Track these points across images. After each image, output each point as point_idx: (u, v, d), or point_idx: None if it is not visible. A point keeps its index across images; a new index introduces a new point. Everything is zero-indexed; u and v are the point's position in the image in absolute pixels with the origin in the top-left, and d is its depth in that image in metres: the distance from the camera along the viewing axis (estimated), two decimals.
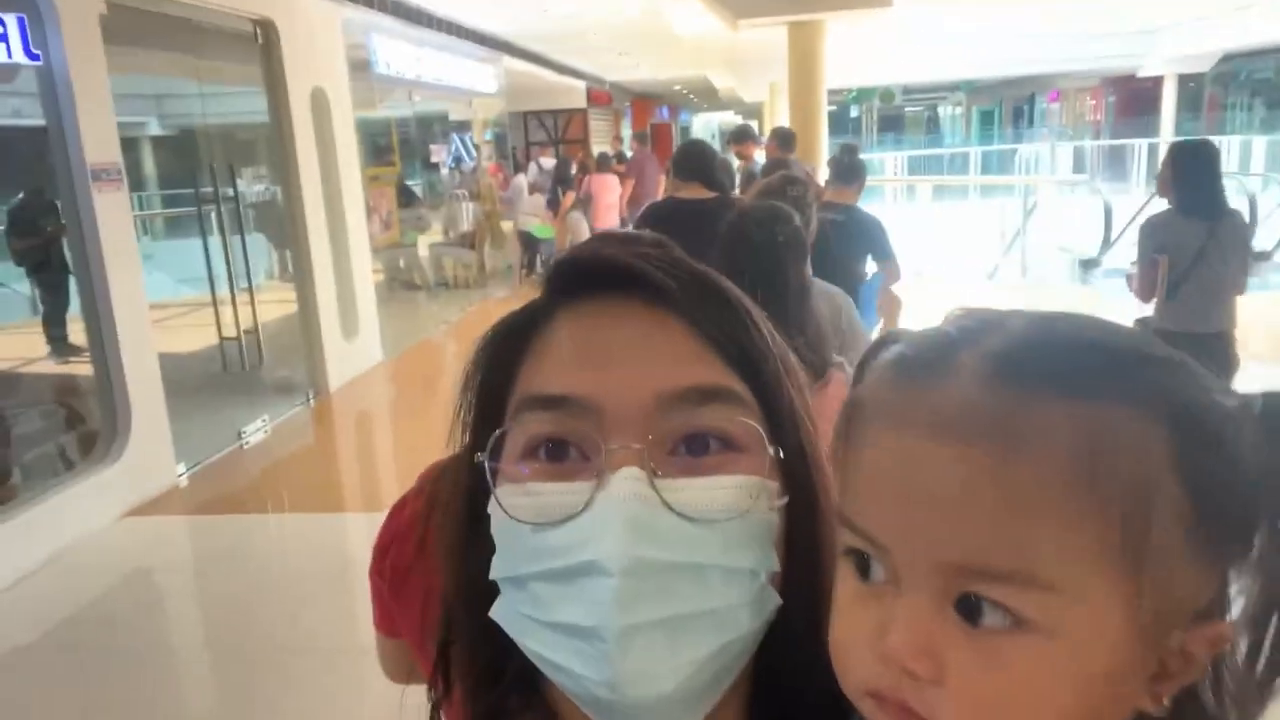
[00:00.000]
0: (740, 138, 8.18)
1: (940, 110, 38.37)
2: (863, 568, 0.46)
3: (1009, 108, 35.74)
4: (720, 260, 2.03)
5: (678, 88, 25.53)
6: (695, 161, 3.99)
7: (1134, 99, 27.24)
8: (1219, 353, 3.73)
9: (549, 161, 13.01)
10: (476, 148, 12.24)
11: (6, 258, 6.42)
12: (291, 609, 3.79)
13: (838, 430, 0.49)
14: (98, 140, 4.55)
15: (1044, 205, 10.85)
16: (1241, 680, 0.45)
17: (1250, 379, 3.82)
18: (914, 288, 3.07)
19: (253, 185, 7.17)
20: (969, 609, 0.42)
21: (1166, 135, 21.80)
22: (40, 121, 4.47)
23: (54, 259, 6.00)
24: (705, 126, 35.74)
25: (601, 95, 20.38)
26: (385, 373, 7.63)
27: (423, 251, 10.61)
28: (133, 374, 4.74)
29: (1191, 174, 3.83)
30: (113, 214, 4.65)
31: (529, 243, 11.43)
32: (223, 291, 6.07)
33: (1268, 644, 0.44)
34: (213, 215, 5.97)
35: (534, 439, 0.57)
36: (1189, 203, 3.81)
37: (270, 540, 4.77)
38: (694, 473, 0.55)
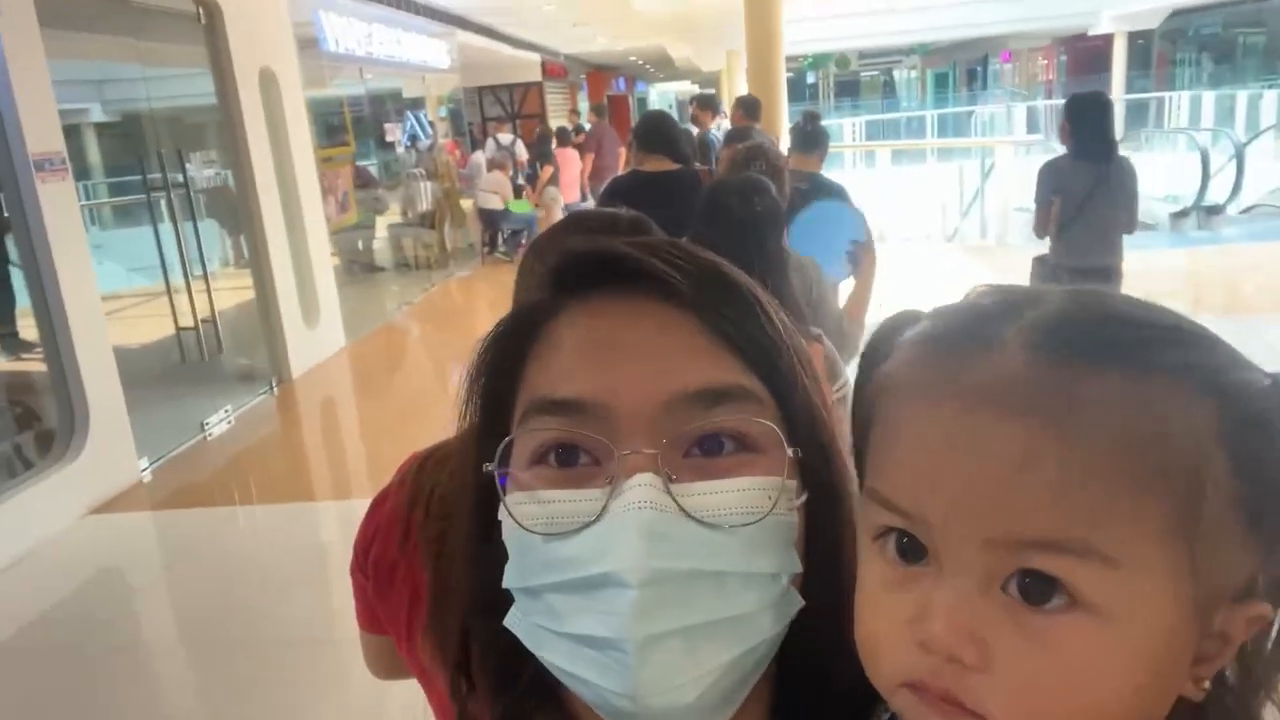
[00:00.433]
0: (703, 106, 8.16)
1: (896, 74, 38.49)
2: (901, 550, 0.45)
3: (963, 70, 35.96)
4: (699, 232, 2.01)
5: (634, 59, 25.32)
6: (658, 133, 3.95)
7: (1085, 57, 27.52)
8: (1105, 284, 3.87)
9: (506, 137, 12.85)
10: (432, 125, 12.05)
11: None
12: (264, 601, 3.74)
13: (863, 410, 0.47)
14: (39, 129, 4.40)
15: (1001, 166, 10.93)
16: (1267, 665, 0.44)
17: None
18: (877, 251, 3.03)
19: (203, 170, 6.99)
20: (1021, 589, 0.41)
21: (1118, 93, 22.06)
22: None
23: None
24: (662, 97, 35.55)
25: (557, 68, 20.16)
26: (348, 357, 7.54)
27: (381, 233, 10.46)
28: (88, 368, 4.62)
29: (1085, 123, 4.17)
30: (58, 204, 4.51)
31: (490, 220, 11.31)
32: (177, 280, 5.92)
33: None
34: (162, 202, 5.81)
35: (544, 444, 0.54)
36: (1082, 149, 4.16)
37: (239, 532, 4.70)
38: (710, 475, 0.53)
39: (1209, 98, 17.14)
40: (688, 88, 32.50)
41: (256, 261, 6.59)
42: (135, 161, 5.95)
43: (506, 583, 0.56)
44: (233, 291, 6.82)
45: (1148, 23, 22.20)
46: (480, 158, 11.92)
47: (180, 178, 5.93)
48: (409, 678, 1.23)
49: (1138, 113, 19.31)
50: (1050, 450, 0.40)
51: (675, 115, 9.00)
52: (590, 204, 10.20)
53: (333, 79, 9.24)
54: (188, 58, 6.29)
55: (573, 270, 0.58)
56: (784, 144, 5.84)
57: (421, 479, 1.09)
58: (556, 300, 0.58)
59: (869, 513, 0.47)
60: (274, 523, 4.63)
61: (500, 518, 0.56)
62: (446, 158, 11.97)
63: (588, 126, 13.92)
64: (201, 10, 6.03)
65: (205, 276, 6.07)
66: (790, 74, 13.79)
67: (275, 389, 6.51)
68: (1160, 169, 12.48)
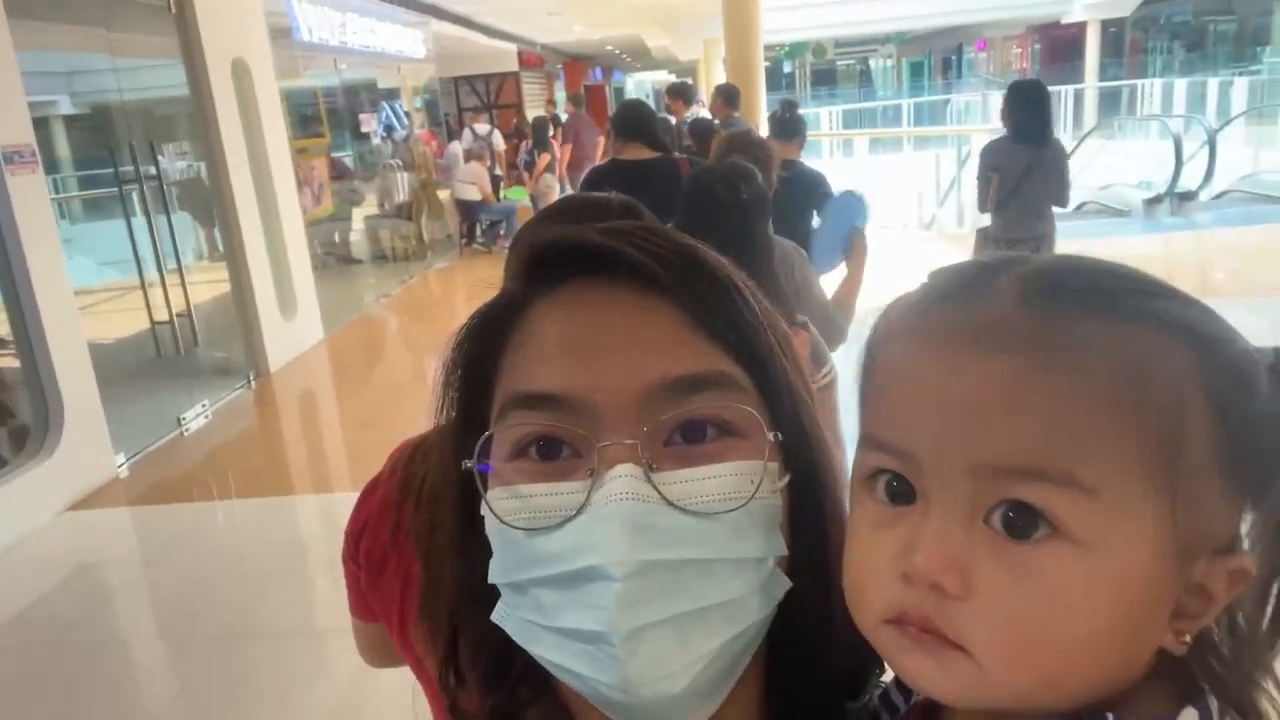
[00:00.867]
0: (675, 95, 8.15)
1: (872, 63, 38.59)
2: (889, 490, 0.46)
3: (938, 59, 36.10)
4: (684, 219, 2.00)
5: (610, 48, 25.23)
6: (636, 121, 3.94)
7: (1058, 45, 27.70)
8: (1038, 251, 4.24)
9: (483, 128, 12.78)
10: (408, 115, 11.96)
11: None
12: (243, 596, 3.72)
13: (865, 365, 0.49)
14: (8, 121, 4.34)
15: (977, 154, 10.98)
16: (1252, 626, 0.45)
17: None
18: (863, 233, 3.04)
19: (175, 162, 6.90)
20: (1005, 523, 0.42)
21: (1091, 80, 22.24)
22: None
23: None
24: (639, 87, 35.45)
25: (533, 58, 20.04)
26: (326, 350, 7.49)
27: (358, 224, 10.39)
28: (62, 364, 4.56)
29: (1022, 108, 4.58)
30: (28, 198, 4.45)
31: (467, 211, 11.26)
32: (151, 274, 5.86)
33: (1275, 595, 0.44)
34: (135, 195, 5.74)
35: (524, 438, 0.54)
36: (1020, 133, 4.56)
37: (218, 528, 4.67)
38: (692, 462, 0.52)
39: (1181, 85, 17.30)
40: (665, 77, 32.42)
41: (231, 254, 6.52)
42: (106, 154, 5.87)
43: (492, 578, 0.55)
44: (208, 285, 6.75)
45: (1120, 10, 22.36)
46: (457, 148, 11.85)
47: (152, 170, 5.85)
48: (401, 665, 1.23)
49: (1111, 100, 19.47)
50: (1035, 383, 0.41)
51: (652, 104, 9.00)
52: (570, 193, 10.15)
53: (307, 69, 9.15)
54: (159, 48, 6.20)
55: (545, 260, 0.58)
56: (763, 132, 5.84)
57: (412, 468, 1.08)
58: (530, 291, 0.58)
59: (861, 458, 0.48)
60: (253, 517, 4.60)
61: (483, 513, 0.55)
62: (423, 148, 11.89)
63: (564, 117, 13.86)
64: (171, 2, 5.95)
65: (180, 270, 6.01)
66: (767, 63, 13.79)
67: (252, 382, 6.46)
68: (1134, 156, 12.62)
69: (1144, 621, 0.43)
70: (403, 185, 11.01)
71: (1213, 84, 16.11)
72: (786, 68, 35.40)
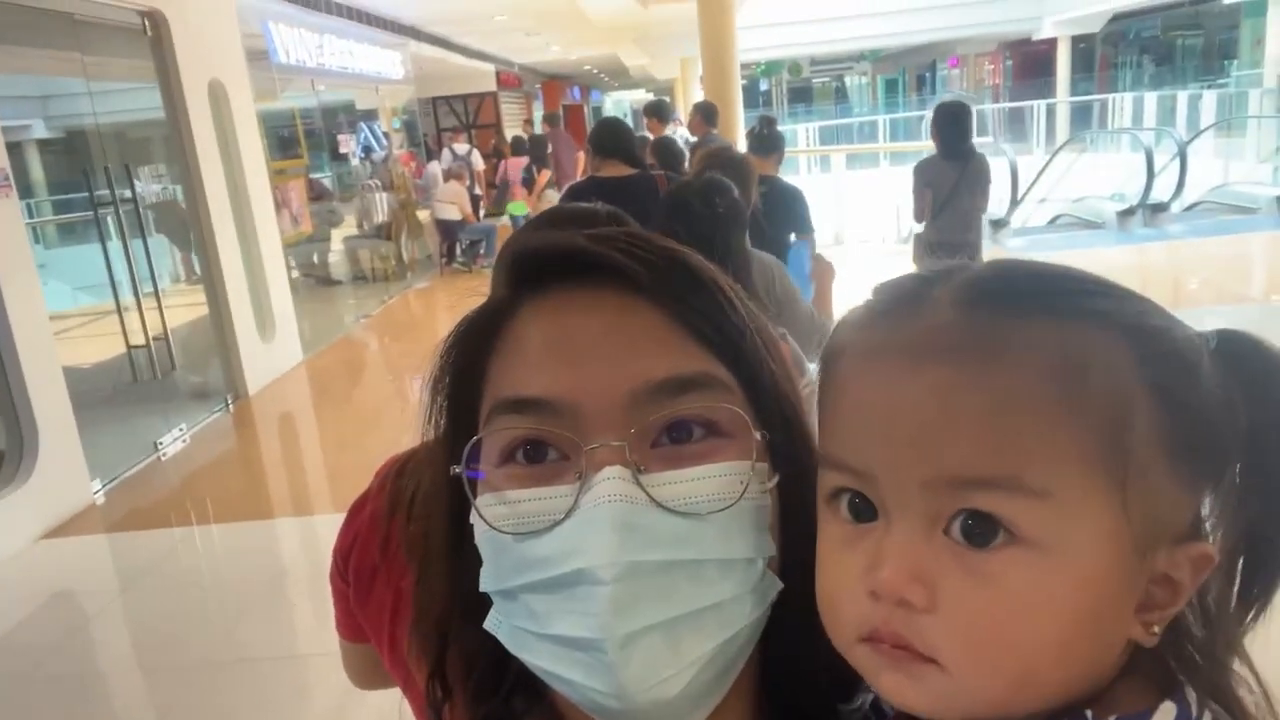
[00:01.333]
0: (652, 114, 8.20)
1: (847, 80, 38.95)
2: (852, 509, 0.46)
3: (912, 75, 36.51)
4: (661, 233, 2.02)
5: (588, 68, 25.36)
6: (614, 139, 3.95)
7: (1030, 61, 28.09)
8: (966, 255, 4.62)
9: (462, 147, 12.80)
10: (386, 136, 11.96)
11: None
12: (223, 622, 3.67)
13: (820, 383, 0.49)
14: None
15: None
16: (1220, 607, 0.46)
17: None
18: (834, 254, 3.09)
19: (151, 185, 6.86)
20: (964, 532, 0.42)
21: (1063, 95, 22.54)
22: None
23: None
24: (618, 106, 35.62)
25: (511, 78, 20.12)
26: (306, 372, 7.43)
27: (337, 245, 10.35)
28: (37, 389, 4.50)
29: (948, 129, 5.03)
30: (2, 222, 4.40)
31: (447, 231, 11.25)
32: (127, 298, 5.80)
33: (1239, 576, 0.45)
34: (110, 219, 5.69)
35: (511, 443, 0.54)
36: (947, 150, 5.02)
37: (197, 553, 4.61)
38: (679, 463, 0.52)
39: (1151, 98, 17.54)
40: (643, 96, 32.59)
41: (209, 276, 6.47)
42: (81, 178, 5.83)
43: (483, 586, 0.55)
44: (185, 308, 6.69)
45: (1089, 27, 22.73)
46: (436, 168, 11.86)
47: (128, 193, 5.81)
48: (390, 687, 1.22)
49: (1083, 114, 19.73)
50: (973, 390, 0.42)
51: (630, 123, 9.05)
52: None
53: (284, 91, 9.13)
54: (134, 71, 6.18)
55: (530, 266, 0.58)
56: (740, 148, 5.88)
57: (401, 482, 1.08)
58: (516, 297, 0.58)
59: (822, 477, 0.49)
60: (232, 542, 4.54)
61: (472, 520, 0.55)
62: (402, 169, 11.89)
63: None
64: (147, 23, 5.93)
65: (156, 293, 5.95)
66: (744, 81, 13.89)
67: (231, 406, 6.40)
68: (1106, 169, 12.77)
69: (1109, 617, 0.43)
70: (382, 206, 10.99)
71: (1182, 97, 16.36)
72: (763, 85, 35.70)
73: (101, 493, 4.95)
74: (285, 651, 3.39)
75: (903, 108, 31.52)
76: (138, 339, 5.86)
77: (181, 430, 5.80)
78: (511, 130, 16.78)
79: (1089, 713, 0.43)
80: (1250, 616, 0.46)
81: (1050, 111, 19.49)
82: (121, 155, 6.12)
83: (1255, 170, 12.45)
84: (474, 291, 1.21)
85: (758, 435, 0.54)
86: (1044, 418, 0.41)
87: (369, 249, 10.81)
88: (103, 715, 3.22)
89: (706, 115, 6.60)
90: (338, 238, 10.47)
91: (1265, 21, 17.57)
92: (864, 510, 0.46)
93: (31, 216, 7.42)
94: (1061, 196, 11.77)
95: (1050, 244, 10.00)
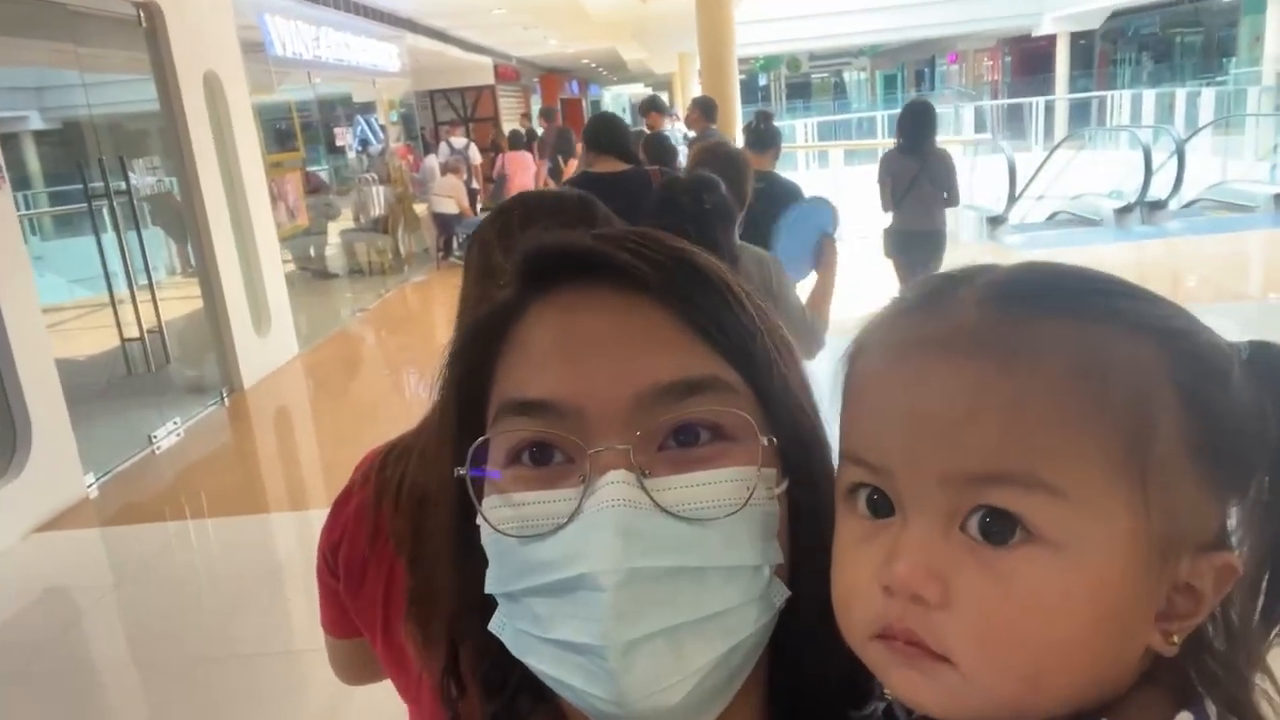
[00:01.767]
0: (646, 110, 8.19)
1: (846, 76, 38.92)
2: (870, 504, 0.46)
3: (911, 71, 36.49)
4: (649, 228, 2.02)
5: (586, 62, 25.31)
6: (608, 134, 3.93)
7: (1029, 58, 28.08)
8: (932, 242, 5.45)
9: (460, 141, 12.76)
10: (383, 129, 11.92)
11: None
12: (217, 617, 3.66)
13: (841, 379, 0.49)
14: None
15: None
16: (1244, 621, 0.45)
17: None
18: (833, 239, 3.02)
19: (146, 178, 6.83)
20: (982, 529, 0.42)
21: (1061, 92, 22.55)
22: None
23: None
24: (616, 100, 35.59)
25: (509, 71, 20.07)
26: (302, 366, 7.42)
27: (333, 239, 10.32)
28: (29, 382, 4.49)
29: (910, 126, 5.48)
30: None
31: (444, 225, 11.22)
32: (121, 290, 5.78)
33: (1264, 591, 0.44)
34: (105, 211, 5.67)
35: (517, 445, 0.53)
36: (908, 145, 5.43)
37: (191, 547, 4.60)
38: (685, 466, 0.52)
39: (1149, 96, 17.55)
40: (641, 90, 32.56)
41: (204, 269, 6.45)
42: (76, 170, 5.80)
43: (488, 588, 0.55)
44: (180, 301, 6.67)
45: (1089, 23, 22.73)
46: (433, 162, 11.83)
47: (123, 185, 5.79)
48: (379, 680, 1.24)
49: (1081, 111, 19.73)
50: (994, 387, 0.41)
51: (629, 119, 9.00)
52: None
53: (280, 83, 9.10)
54: (129, 63, 6.15)
55: (535, 266, 0.57)
56: (738, 144, 5.87)
57: (386, 473, 1.09)
58: (523, 298, 0.57)
59: (841, 473, 0.48)
60: (227, 537, 4.53)
61: (478, 522, 0.55)
62: (399, 162, 11.85)
63: (539, 131, 13.87)
64: (142, 14, 5.90)
65: (151, 286, 5.93)
66: (742, 76, 13.87)
67: (226, 399, 6.38)
68: (1104, 166, 12.77)
69: (1126, 621, 0.42)
70: (378, 199, 10.96)
71: (1180, 95, 16.37)
72: (762, 80, 35.66)
73: (95, 486, 4.94)
74: (280, 647, 3.38)
75: (901, 104, 31.50)
76: (132, 332, 5.85)
77: (176, 424, 5.78)
78: (509, 124, 16.75)
79: None
80: (1275, 632, 0.45)
81: (1049, 108, 19.50)
82: (116, 147, 6.10)
83: (1253, 168, 12.45)
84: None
85: (765, 440, 0.53)
86: (1064, 415, 0.41)
87: (365, 242, 10.79)
88: (96, 710, 3.21)
89: (706, 110, 6.58)
90: (334, 231, 10.44)
91: (1264, 19, 17.58)
92: (881, 506, 0.45)
93: (27, 208, 7.39)
94: (1059, 193, 11.76)
95: (1047, 241, 10.00)
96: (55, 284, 7.27)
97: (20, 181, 7.18)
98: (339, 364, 7.89)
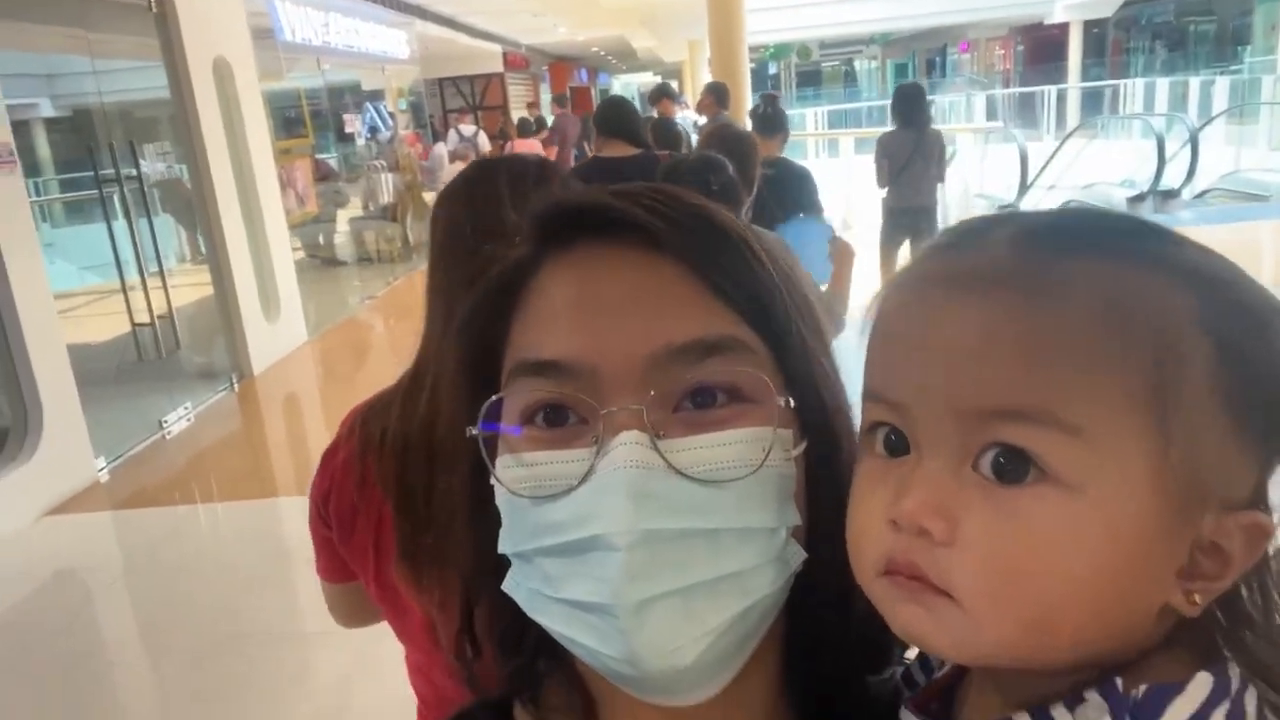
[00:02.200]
0: (657, 96, 8.17)
1: (856, 64, 38.73)
2: (887, 444, 0.46)
3: (922, 59, 36.27)
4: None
5: (596, 50, 25.24)
6: (617, 119, 3.92)
7: (1041, 46, 27.88)
8: (925, 219, 5.77)
9: (469, 128, 12.74)
10: (392, 117, 11.92)
11: None
12: (229, 599, 3.68)
13: (870, 321, 0.48)
14: None
15: (963, 153, 11.05)
16: None
17: None
18: (845, 238, 3.04)
19: (156, 164, 6.85)
20: (995, 468, 0.41)
21: (1074, 81, 22.38)
22: None
23: None
24: (625, 89, 35.48)
25: (518, 59, 20.03)
26: (311, 352, 7.44)
27: (342, 226, 10.34)
28: (40, 367, 4.51)
29: (904, 106, 5.89)
30: (7, 198, 4.40)
31: None
32: (132, 277, 5.80)
33: None
34: (115, 198, 5.69)
35: (531, 405, 0.53)
36: (903, 125, 5.84)
37: (201, 531, 4.62)
38: (700, 428, 0.51)
39: (1163, 84, 17.40)
40: (651, 79, 32.45)
41: (214, 256, 6.47)
42: (86, 157, 5.82)
43: (501, 548, 0.54)
44: (190, 287, 6.69)
45: (1102, 11, 22.52)
46: (442, 149, 11.82)
47: (133, 172, 5.80)
48: (375, 622, 1.32)
49: (1094, 100, 19.59)
50: (1015, 320, 0.40)
51: (638, 107, 9.00)
52: None
53: (290, 70, 9.10)
54: (139, 49, 6.15)
55: (551, 223, 0.56)
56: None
57: (369, 428, 1.17)
58: (537, 255, 0.56)
59: (863, 412, 0.48)
60: (236, 520, 4.55)
61: (491, 482, 0.54)
62: (407, 150, 11.85)
63: (550, 119, 13.85)
64: (152, 0, 5.90)
65: (161, 272, 5.95)
66: (752, 64, 13.80)
67: (236, 385, 6.41)
68: (1117, 154, 12.69)
69: (1140, 572, 0.41)
70: (387, 187, 10.97)
71: (1194, 83, 16.22)
72: (772, 69, 35.49)
73: (106, 470, 4.97)
74: (289, 629, 3.40)
75: None
76: (143, 318, 5.87)
77: (186, 409, 5.81)
78: (518, 112, 16.72)
79: (1119, 679, 0.41)
80: None
81: (1061, 97, 19.36)
82: (127, 134, 6.11)
83: (1267, 157, 12.35)
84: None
85: (781, 401, 0.52)
86: (1084, 352, 0.40)
87: (374, 230, 10.80)
88: (105, 693, 3.24)
89: (718, 96, 6.56)
90: (343, 219, 10.45)
91: (1279, 8, 17.39)
92: (898, 445, 0.45)
93: (38, 195, 7.42)
94: (1071, 183, 11.70)
95: None
96: (67, 271, 7.31)
97: (33, 168, 7.21)
98: (347, 351, 7.90)
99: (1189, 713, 0.40)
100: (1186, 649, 0.43)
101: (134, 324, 5.86)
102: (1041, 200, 11.38)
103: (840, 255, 2.92)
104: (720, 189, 2.04)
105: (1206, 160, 10.96)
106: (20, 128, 6.35)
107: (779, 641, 0.57)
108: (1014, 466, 0.40)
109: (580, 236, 0.55)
